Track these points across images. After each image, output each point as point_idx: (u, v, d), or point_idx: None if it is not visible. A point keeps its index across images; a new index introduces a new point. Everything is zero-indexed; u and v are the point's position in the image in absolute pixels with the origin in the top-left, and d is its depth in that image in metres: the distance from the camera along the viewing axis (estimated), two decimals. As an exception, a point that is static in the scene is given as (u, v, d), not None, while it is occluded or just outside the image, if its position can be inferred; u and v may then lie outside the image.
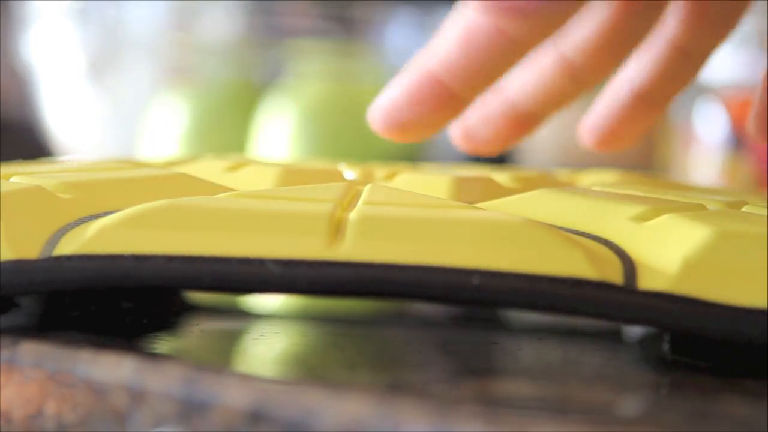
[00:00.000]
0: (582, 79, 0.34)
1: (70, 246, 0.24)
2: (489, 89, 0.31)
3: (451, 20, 0.30)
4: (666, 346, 0.25)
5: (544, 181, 0.32)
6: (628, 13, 0.32)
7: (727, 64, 0.69)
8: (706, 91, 0.70)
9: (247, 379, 0.21)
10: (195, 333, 0.28)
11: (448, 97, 0.30)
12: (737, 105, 0.69)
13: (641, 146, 0.80)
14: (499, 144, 0.35)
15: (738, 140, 0.69)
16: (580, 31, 0.33)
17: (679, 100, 0.75)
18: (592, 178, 0.35)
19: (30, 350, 0.23)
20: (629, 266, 0.23)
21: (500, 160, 0.88)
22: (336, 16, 0.78)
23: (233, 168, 0.30)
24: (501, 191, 0.29)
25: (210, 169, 0.30)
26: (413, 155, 0.73)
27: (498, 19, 0.29)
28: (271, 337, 0.28)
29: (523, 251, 0.23)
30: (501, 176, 0.32)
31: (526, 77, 0.34)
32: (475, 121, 0.35)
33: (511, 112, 0.34)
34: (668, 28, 0.33)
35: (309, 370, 0.24)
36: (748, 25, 0.69)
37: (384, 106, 0.30)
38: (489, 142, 0.34)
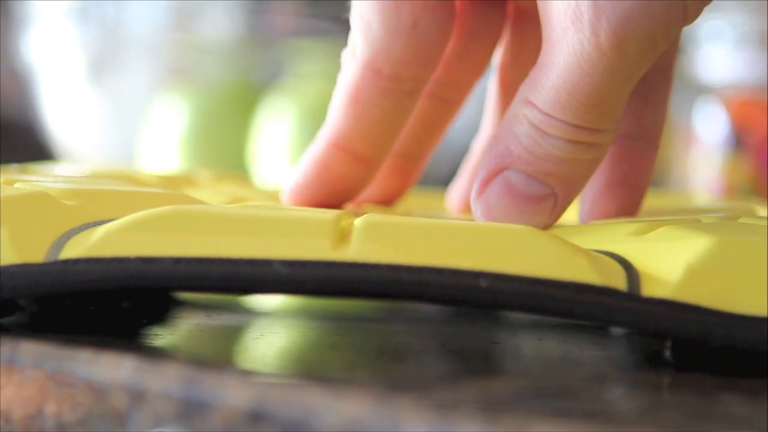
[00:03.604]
0: (446, 97, 0.33)
1: (75, 250, 0.24)
2: (393, 143, 0.30)
3: (339, 83, 0.30)
4: (667, 353, 0.25)
5: None
6: (465, 17, 0.32)
7: (727, 64, 0.70)
8: (706, 91, 0.70)
9: (247, 378, 0.21)
10: (195, 332, 0.28)
11: (355, 161, 0.30)
12: (737, 105, 0.69)
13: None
14: (392, 198, 0.34)
15: (738, 140, 0.69)
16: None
17: (679, 100, 0.75)
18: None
19: (30, 350, 0.23)
20: (632, 274, 0.24)
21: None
22: (335, 16, 0.78)
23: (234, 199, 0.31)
24: None
25: (210, 199, 0.30)
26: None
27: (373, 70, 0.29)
28: (270, 335, 0.28)
29: (528, 256, 0.23)
30: None
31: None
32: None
33: (396, 161, 0.33)
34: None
35: (308, 369, 0.24)
36: (748, 25, 0.69)
37: (296, 183, 0.30)
38: (378, 199, 0.33)
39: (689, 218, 0.27)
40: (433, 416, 0.19)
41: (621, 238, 0.25)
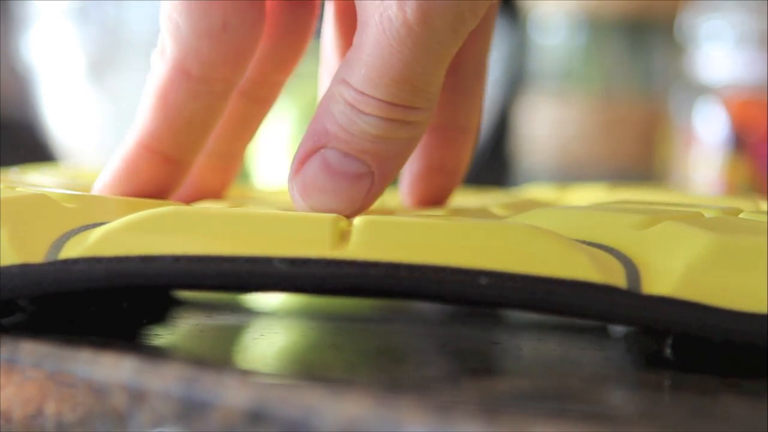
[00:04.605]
0: (255, 95, 0.33)
1: (75, 250, 0.24)
2: (203, 144, 0.30)
3: (148, 83, 0.30)
4: (668, 351, 0.25)
5: (533, 205, 0.32)
6: (275, 17, 0.32)
7: (727, 64, 0.70)
8: (706, 91, 0.70)
9: (247, 378, 0.21)
10: (195, 332, 0.28)
11: (164, 162, 0.30)
12: (737, 105, 0.69)
13: (641, 146, 0.80)
14: (210, 197, 0.33)
15: (738, 140, 0.69)
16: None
17: (679, 100, 0.75)
18: (581, 195, 0.35)
19: (30, 350, 0.23)
20: (632, 271, 0.24)
21: (498, 159, 0.88)
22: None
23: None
24: (494, 218, 0.29)
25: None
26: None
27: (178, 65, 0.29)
28: (270, 335, 0.28)
29: (529, 254, 0.23)
30: (492, 204, 0.32)
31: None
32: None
33: (210, 160, 0.33)
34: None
35: (308, 369, 0.24)
36: (748, 25, 0.69)
37: (104, 182, 0.30)
38: (195, 198, 0.33)
39: (691, 211, 0.27)
40: (433, 416, 0.19)
41: (622, 232, 0.25)
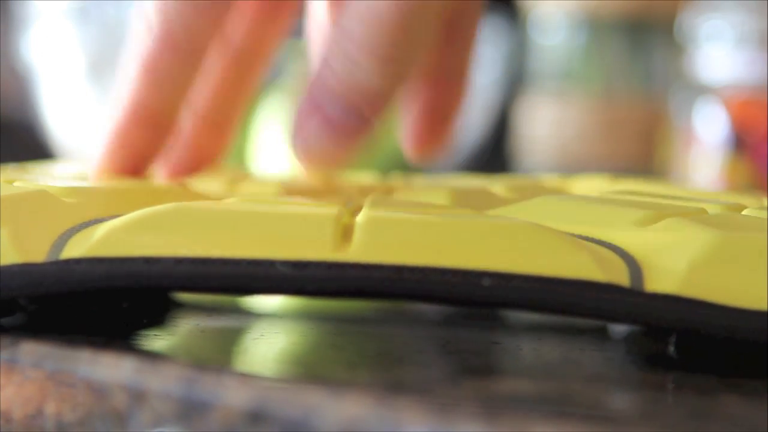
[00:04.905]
0: (247, 59, 0.34)
1: (77, 249, 0.24)
2: (185, 100, 0.31)
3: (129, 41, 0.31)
4: (671, 348, 0.25)
5: (538, 190, 0.32)
6: None
7: (727, 64, 0.70)
8: (706, 91, 0.70)
9: (247, 379, 0.21)
10: (195, 332, 0.28)
11: (155, 128, 0.31)
12: (737, 105, 0.69)
13: (641, 146, 0.80)
14: (207, 160, 0.35)
15: (738, 140, 0.69)
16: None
17: (679, 100, 0.75)
18: (585, 185, 0.35)
19: (30, 350, 0.23)
20: (635, 269, 0.24)
21: (498, 159, 0.88)
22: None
23: (231, 183, 0.31)
24: (498, 201, 0.29)
25: (208, 185, 0.30)
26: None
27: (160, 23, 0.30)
28: (270, 336, 0.28)
29: (531, 254, 0.23)
30: (496, 186, 0.32)
31: (203, 87, 0.34)
32: (178, 149, 0.34)
33: (205, 125, 0.34)
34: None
35: (308, 369, 0.24)
36: (748, 25, 0.69)
37: (100, 157, 0.31)
38: (194, 161, 0.34)
39: (695, 207, 0.27)
40: (433, 416, 0.19)
41: (625, 228, 0.25)
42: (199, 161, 0.34)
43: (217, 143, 0.34)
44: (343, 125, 0.28)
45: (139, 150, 0.31)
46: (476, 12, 0.35)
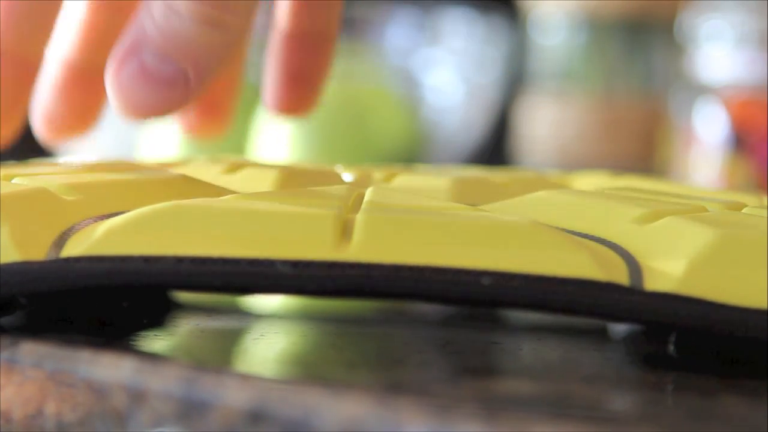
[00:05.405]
0: (122, 8, 0.34)
1: (78, 248, 0.24)
2: (45, 40, 0.31)
3: None
4: (671, 347, 0.25)
5: (540, 183, 0.32)
6: None
7: (727, 64, 0.70)
8: (706, 91, 0.70)
9: (247, 379, 0.21)
10: (195, 332, 0.28)
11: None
12: (737, 105, 0.69)
13: (641, 146, 0.80)
14: (82, 118, 0.34)
15: (738, 140, 0.69)
16: None
17: (679, 100, 0.75)
18: (586, 180, 0.35)
19: (30, 350, 0.23)
20: (634, 268, 0.24)
21: (498, 159, 0.88)
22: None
23: (230, 170, 0.30)
24: (500, 193, 0.29)
25: (207, 172, 0.30)
26: (412, 156, 0.73)
27: None
28: (270, 336, 0.28)
29: (531, 253, 0.23)
30: (498, 178, 0.32)
31: (75, 34, 0.34)
32: (51, 103, 0.34)
33: (77, 75, 0.34)
34: None
35: (308, 369, 0.24)
36: (748, 25, 0.69)
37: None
38: (69, 117, 0.34)
39: (695, 204, 0.27)
40: (433, 416, 0.19)
41: (624, 226, 0.25)
42: (212, 116, 0.35)
43: (215, 120, 0.35)
44: (159, 73, 0.28)
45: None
46: None
